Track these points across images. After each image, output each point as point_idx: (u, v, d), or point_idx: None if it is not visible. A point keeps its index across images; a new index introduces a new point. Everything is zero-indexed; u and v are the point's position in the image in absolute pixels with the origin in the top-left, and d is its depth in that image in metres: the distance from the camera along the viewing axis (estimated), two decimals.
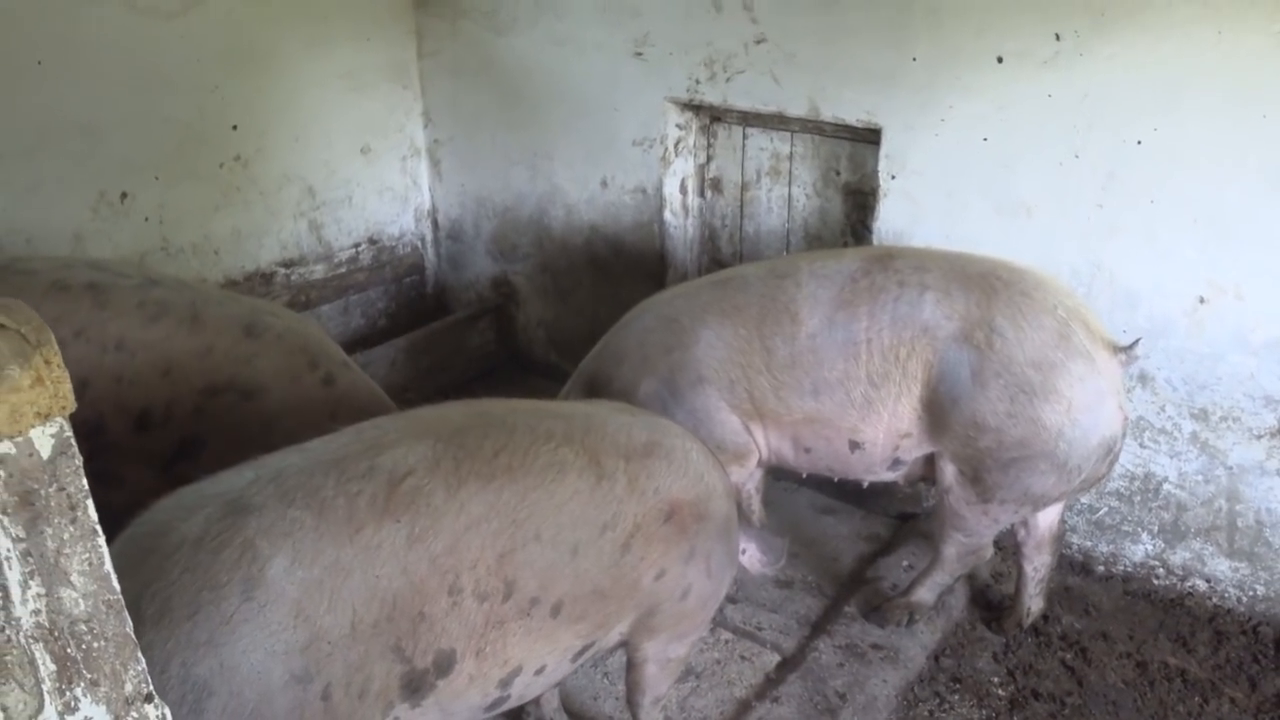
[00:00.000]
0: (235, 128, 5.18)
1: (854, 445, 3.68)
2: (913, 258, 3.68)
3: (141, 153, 4.84)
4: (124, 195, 4.82)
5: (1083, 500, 4.36)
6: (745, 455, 3.83)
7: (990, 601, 4.22)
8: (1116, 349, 3.48)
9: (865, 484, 3.98)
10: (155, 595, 2.02)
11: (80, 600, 1.47)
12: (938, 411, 3.51)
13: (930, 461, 3.70)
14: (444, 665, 2.36)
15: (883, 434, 3.63)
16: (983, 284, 3.50)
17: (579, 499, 2.56)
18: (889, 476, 3.83)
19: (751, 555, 3.24)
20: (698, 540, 2.83)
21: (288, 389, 3.55)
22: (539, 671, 2.60)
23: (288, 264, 5.63)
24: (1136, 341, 3.50)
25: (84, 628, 1.48)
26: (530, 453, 2.54)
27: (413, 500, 2.30)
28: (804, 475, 4.09)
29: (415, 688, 2.34)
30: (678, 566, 2.80)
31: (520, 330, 6.14)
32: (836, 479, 3.98)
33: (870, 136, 4.53)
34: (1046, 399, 3.38)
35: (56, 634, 1.45)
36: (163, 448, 3.44)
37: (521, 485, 2.47)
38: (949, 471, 3.61)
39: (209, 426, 3.44)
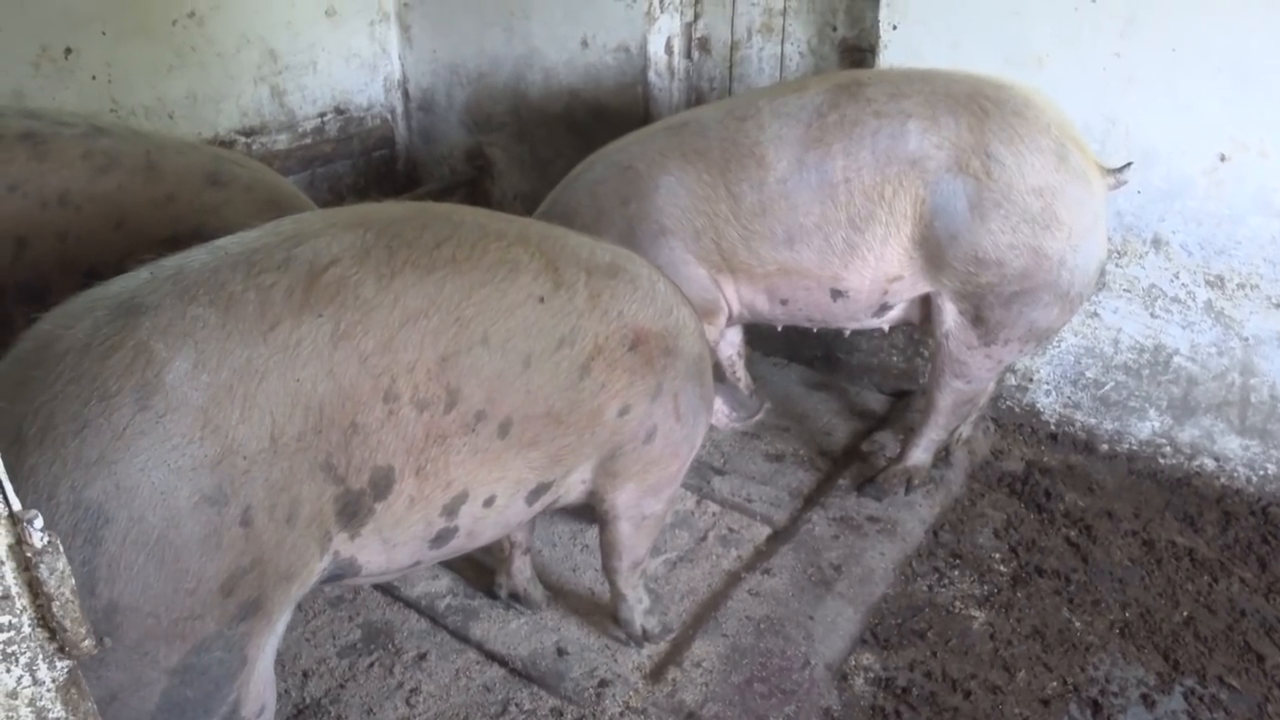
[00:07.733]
0: None
1: (836, 294, 3.43)
2: (885, 83, 3.35)
3: (86, 3, 4.47)
4: (68, 51, 4.47)
5: (1088, 375, 4.14)
6: (714, 313, 3.56)
7: (989, 478, 4.01)
8: (1105, 171, 3.32)
9: (847, 332, 3.75)
10: (37, 413, 1.74)
11: None
12: (933, 249, 3.27)
13: (920, 305, 3.48)
14: (382, 485, 2.09)
15: (869, 280, 3.38)
16: (970, 106, 3.21)
17: (533, 305, 2.28)
18: (874, 323, 3.60)
19: (719, 409, 3.03)
20: (665, 376, 2.58)
21: None
22: (488, 503, 2.33)
23: (248, 132, 5.30)
24: (1127, 165, 3.34)
25: None
26: (479, 247, 2.24)
27: (338, 292, 2.00)
28: (779, 328, 3.84)
29: (353, 512, 2.08)
30: (643, 404, 2.54)
31: (496, 205, 5.81)
32: (816, 329, 3.76)
33: None
34: (1048, 227, 3.18)
35: None
36: None
37: (467, 280, 2.17)
38: (949, 314, 3.39)
39: None
